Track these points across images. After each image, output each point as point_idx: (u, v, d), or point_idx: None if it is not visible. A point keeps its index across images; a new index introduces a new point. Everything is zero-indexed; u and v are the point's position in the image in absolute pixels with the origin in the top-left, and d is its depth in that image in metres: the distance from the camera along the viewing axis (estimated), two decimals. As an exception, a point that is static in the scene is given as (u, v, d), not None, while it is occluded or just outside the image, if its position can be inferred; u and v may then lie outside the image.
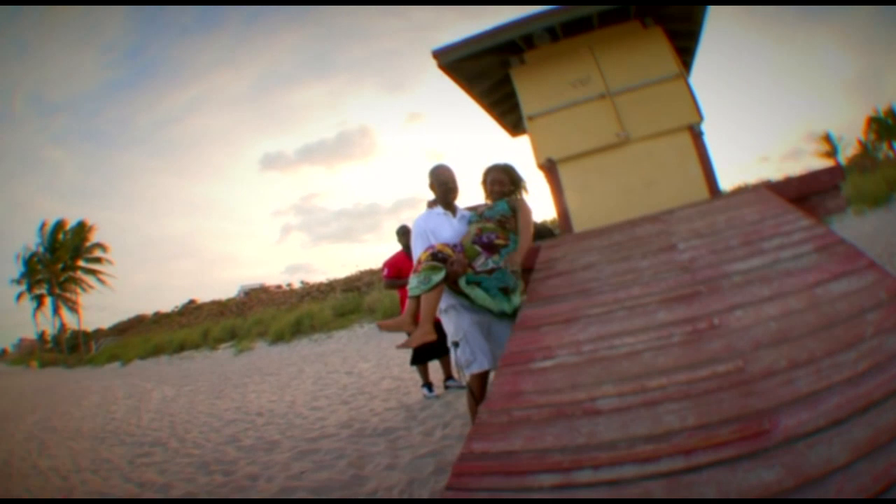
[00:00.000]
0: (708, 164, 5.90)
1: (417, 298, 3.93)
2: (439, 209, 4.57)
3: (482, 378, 4.21)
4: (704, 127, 6.05)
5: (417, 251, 4.29)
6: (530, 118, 6.52)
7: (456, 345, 4.24)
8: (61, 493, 5.99)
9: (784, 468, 1.83)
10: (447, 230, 4.40)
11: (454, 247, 4.07)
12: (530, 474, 2.19)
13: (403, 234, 7.47)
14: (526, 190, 4.65)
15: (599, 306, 3.45)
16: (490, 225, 4.25)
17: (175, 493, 5.24)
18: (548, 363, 3.00)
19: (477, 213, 4.46)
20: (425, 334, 3.89)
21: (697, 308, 3.05)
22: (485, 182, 4.66)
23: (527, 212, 4.40)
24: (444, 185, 4.56)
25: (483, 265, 4.05)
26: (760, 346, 2.52)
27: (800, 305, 2.79)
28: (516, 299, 4.18)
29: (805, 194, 4.85)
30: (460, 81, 7.19)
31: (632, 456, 2.10)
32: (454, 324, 4.25)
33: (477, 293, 4.02)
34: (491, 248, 4.12)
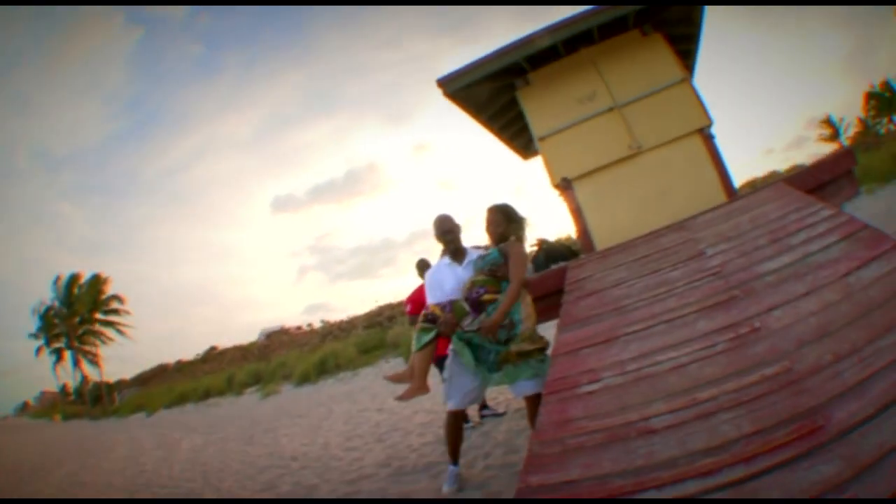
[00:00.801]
0: (721, 165, 5.91)
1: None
2: (446, 259, 4.68)
3: (454, 416, 4.45)
4: (713, 129, 6.07)
5: (431, 296, 4.55)
6: (541, 139, 6.55)
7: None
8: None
9: (842, 460, 1.86)
10: (451, 281, 4.50)
11: (444, 307, 4.16)
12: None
13: (422, 267, 7.28)
14: (525, 230, 4.53)
15: (637, 323, 3.47)
16: (481, 277, 4.24)
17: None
18: (594, 387, 3.01)
19: (476, 263, 4.42)
20: (417, 389, 4.16)
21: (736, 313, 3.07)
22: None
23: (518, 258, 4.26)
24: (442, 237, 4.66)
25: (470, 325, 4.09)
26: (804, 344, 2.55)
27: (835, 297, 2.82)
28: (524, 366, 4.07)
29: (821, 183, 4.88)
30: (468, 108, 7.25)
31: (693, 471, 2.10)
32: (448, 366, 4.43)
33: (464, 353, 4.08)
34: (478, 307, 4.14)
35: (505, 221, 4.40)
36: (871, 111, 54.50)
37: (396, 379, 4.39)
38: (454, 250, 4.63)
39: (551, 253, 6.70)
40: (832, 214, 3.74)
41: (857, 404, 2.06)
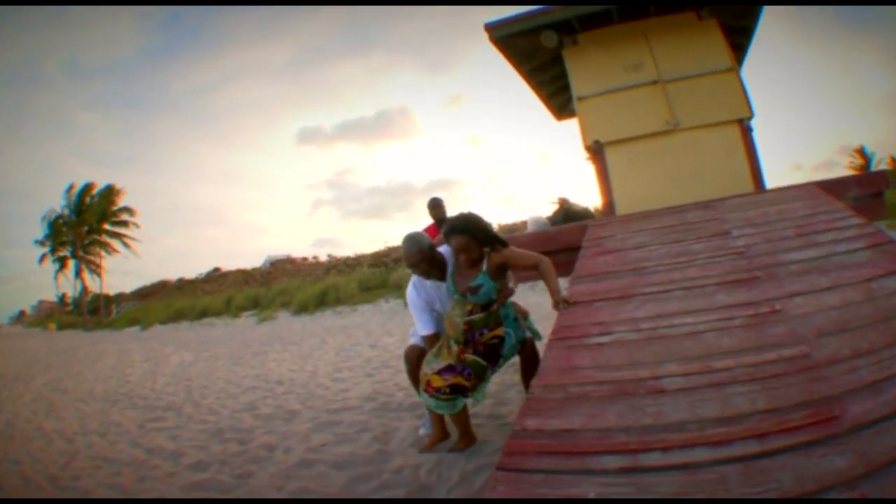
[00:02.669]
0: (755, 158, 5.89)
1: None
2: (426, 281, 4.21)
3: (414, 351, 4.30)
4: (753, 123, 6.04)
5: (422, 322, 4.16)
6: (580, 99, 6.51)
7: None
8: (64, 455, 5.83)
9: (855, 455, 1.78)
10: (440, 299, 4.17)
11: (467, 373, 3.74)
12: (593, 455, 2.07)
13: (434, 206, 6.51)
14: (501, 243, 3.77)
15: (655, 285, 3.45)
16: (479, 317, 3.76)
17: (186, 461, 5.00)
18: (605, 339, 2.95)
19: (458, 291, 3.81)
20: (469, 443, 4.06)
21: (757, 293, 3.04)
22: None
23: (517, 253, 3.76)
24: (414, 270, 4.10)
25: (493, 373, 3.91)
26: (823, 334, 2.51)
27: (857, 297, 2.79)
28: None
29: (852, 195, 4.86)
30: (511, 57, 7.20)
31: (703, 439, 2.01)
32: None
33: (480, 391, 3.85)
34: (493, 358, 3.81)
35: (476, 245, 3.72)
36: (905, 152, 53.88)
37: (431, 446, 4.25)
38: (432, 276, 4.08)
39: (571, 213, 6.68)
40: (861, 223, 3.75)
41: (872, 403, 1.99)
